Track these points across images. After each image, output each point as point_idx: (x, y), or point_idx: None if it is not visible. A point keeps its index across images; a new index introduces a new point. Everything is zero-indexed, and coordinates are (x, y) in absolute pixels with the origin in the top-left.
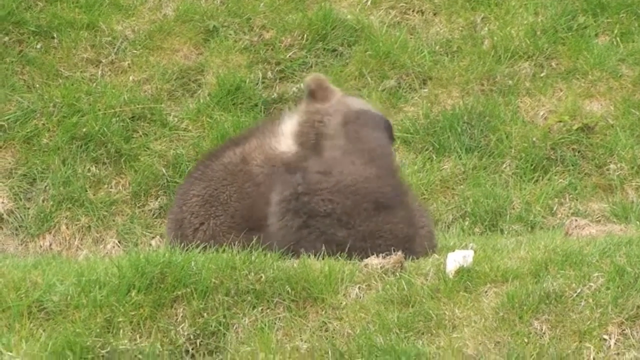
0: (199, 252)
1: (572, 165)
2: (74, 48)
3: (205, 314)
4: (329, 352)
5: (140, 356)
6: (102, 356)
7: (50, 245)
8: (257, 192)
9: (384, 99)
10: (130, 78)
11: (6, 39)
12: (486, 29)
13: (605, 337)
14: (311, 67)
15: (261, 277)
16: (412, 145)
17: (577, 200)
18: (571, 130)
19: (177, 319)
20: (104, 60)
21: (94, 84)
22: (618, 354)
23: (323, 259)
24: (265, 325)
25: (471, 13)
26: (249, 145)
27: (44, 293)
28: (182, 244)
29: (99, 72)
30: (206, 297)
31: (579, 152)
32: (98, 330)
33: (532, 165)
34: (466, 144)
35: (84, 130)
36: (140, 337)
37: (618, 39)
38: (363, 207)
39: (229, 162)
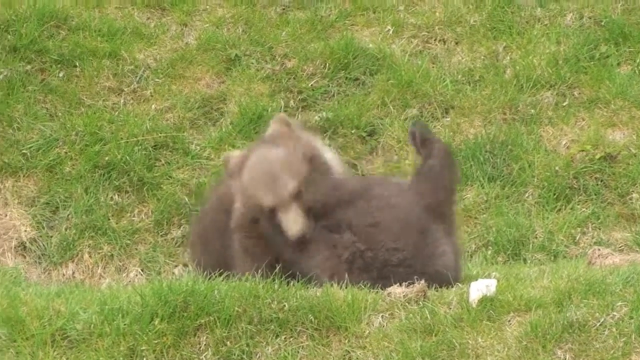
0: (222, 280)
1: (595, 195)
2: (96, 77)
3: (228, 343)
4: None
5: None
6: None
7: (73, 273)
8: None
9: (407, 128)
10: (153, 107)
11: (28, 67)
12: (508, 58)
13: None
14: (333, 95)
15: (284, 305)
16: None
17: (599, 229)
18: (594, 159)
19: (200, 347)
20: (126, 89)
21: (116, 112)
22: None
23: (347, 287)
24: (288, 354)
25: (493, 42)
26: None
27: (67, 321)
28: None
29: (121, 101)
30: (229, 325)
31: (601, 181)
32: (121, 358)
33: (554, 194)
34: (489, 173)
35: (107, 158)
36: None
37: None
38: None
39: None
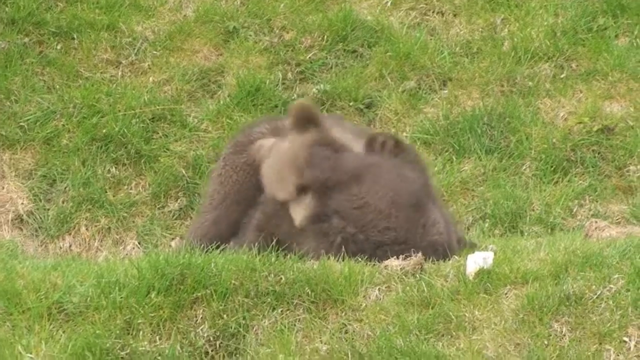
0: (219, 254)
1: (592, 167)
2: (94, 49)
3: (224, 316)
4: (349, 354)
5: (159, 358)
6: (122, 358)
7: (70, 246)
8: None
9: (404, 100)
10: (150, 79)
11: (26, 39)
12: (506, 30)
13: (626, 339)
14: (331, 68)
15: (281, 278)
16: (432, 147)
17: (597, 202)
18: (591, 131)
19: (196, 320)
20: (124, 61)
21: (114, 85)
22: (638, 356)
23: (343, 260)
24: (285, 327)
25: (491, 14)
26: None
27: (64, 294)
28: None
29: (119, 73)
30: (226, 298)
31: (598, 153)
32: (118, 332)
33: (552, 166)
34: (486, 146)
35: (104, 131)
36: (159, 339)
37: (638, 40)
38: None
39: None
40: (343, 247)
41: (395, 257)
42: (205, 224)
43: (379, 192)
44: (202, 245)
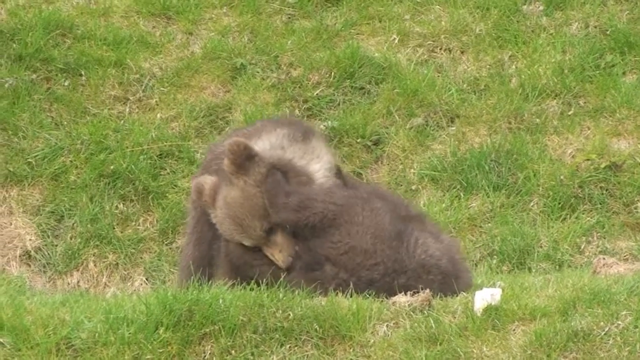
0: (227, 290)
1: (600, 204)
2: (102, 85)
3: (233, 352)
4: None
5: None
6: None
7: (78, 282)
8: None
9: (412, 137)
10: (158, 115)
11: (34, 76)
12: (514, 67)
13: None
14: (339, 104)
15: (289, 314)
16: (440, 183)
17: (604, 238)
18: (599, 168)
19: (205, 356)
20: (131, 98)
21: (122, 121)
22: None
23: (351, 296)
24: None
25: (499, 51)
26: None
27: (72, 330)
28: None
29: (127, 110)
30: (234, 334)
31: (606, 190)
32: None
33: (559, 203)
34: (494, 182)
35: (112, 167)
36: None
37: None
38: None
39: None
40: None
41: (387, 288)
42: (188, 249)
43: (359, 232)
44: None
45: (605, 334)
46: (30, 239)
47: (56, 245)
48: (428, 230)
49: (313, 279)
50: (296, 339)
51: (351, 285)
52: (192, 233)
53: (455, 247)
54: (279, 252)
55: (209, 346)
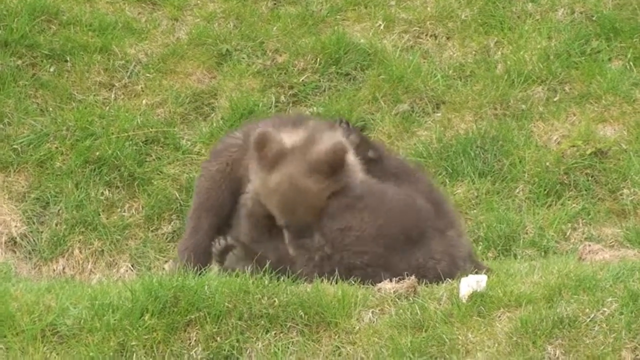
0: (213, 276)
1: (586, 190)
2: (87, 71)
3: (218, 338)
4: None
5: None
6: None
7: (64, 269)
8: None
9: (397, 123)
10: (144, 102)
11: (19, 62)
12: (499, 53)
13: None
14: (324, 91)
15: (274, 301)
16: (426, 170)
17: (590, 225)
18: (584, 155)
19: (190, 342)
20: (117, 84)
21: (107, 107)
22: None
23: (337, 283)
24: (278, 349)
25: (484, 37)
26: None
27: (58, 317)
28: None
29: (112, 96)
30: (219, 321)
31: (592, 176)
32: (111, 354)
33: (545, 190)
34: (479, 169)
35: (97, 153)
36: None
37: (631, 63)
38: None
39: None
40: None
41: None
42: (186, 236)
43: (366, 219)
44: (188, 257)
45: (590, 320)
46: (15, 226)
47: (42, 232)
48: (437, 226)
49: (301, 245)
50: (281, 325)
51: (332, 264)
52: (191, 219)
53: (459, 246)
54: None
55: (194, 332)
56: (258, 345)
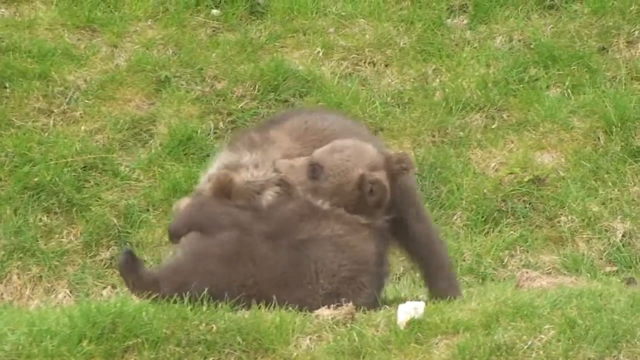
0: (150, 302)
1: (523, 217)
2: (26, 98)
3: None
4: None
5: None
6: None
7: (2, 294)
8: None
9: None
10: (82, 128)
11: None
12: (437, 80)
13: None
14: (263, 117)
15: (212, 327)
16: None
17: (528, 252)
18: (522, 182)
19: None
20: (55, 110)
21: (46, 133)
22: None
23: (274, 308)
24: None
25: (422, 65)
26: None
27: None
28: None
29: (51, 122)
30: (157, 347)
31: (529, 204)
32: None
33: (483, 217)
34: None
35: (36, 179)
36: None
37: (569, 91)
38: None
39: None
40: None
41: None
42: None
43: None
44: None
45: (528, 347)
46: None
47: None
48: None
49: None
50: (219, 352)
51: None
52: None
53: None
54: None
55: (133, 359)
56: None
